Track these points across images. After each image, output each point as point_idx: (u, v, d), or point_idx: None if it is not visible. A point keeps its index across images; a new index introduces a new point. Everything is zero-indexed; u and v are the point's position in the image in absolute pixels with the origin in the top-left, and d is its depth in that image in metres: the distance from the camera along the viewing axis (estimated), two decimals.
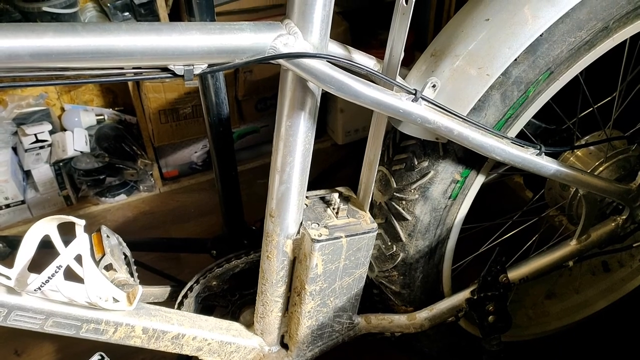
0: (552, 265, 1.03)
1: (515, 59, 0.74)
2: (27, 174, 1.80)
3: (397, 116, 0.69)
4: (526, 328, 1.28)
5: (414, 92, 0.68)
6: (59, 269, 0.63)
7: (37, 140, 1.77)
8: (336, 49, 0.71)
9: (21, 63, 0.51)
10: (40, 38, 0.51)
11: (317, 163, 1.86)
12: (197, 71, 0.59)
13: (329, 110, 2.12)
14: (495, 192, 1.50)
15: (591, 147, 1.03)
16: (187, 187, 1.99)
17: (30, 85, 0.56)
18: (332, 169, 2.00)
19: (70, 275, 0.68)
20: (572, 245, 1.04)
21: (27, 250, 0.65)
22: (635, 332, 1.35)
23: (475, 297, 0.95)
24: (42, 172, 1.76)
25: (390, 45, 0.67)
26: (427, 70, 0.77)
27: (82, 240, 0.64)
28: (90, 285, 0.69)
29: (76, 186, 1.86)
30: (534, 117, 0.86)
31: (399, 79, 0.71)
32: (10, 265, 0.66)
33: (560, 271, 1.28)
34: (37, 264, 0.66)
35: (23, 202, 1.77)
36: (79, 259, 0.66)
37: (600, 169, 1.02)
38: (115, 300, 0.74)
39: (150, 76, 0.58)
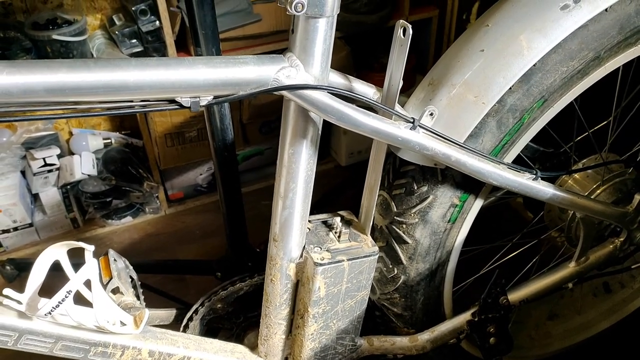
0: (551, 287, 1.04)
1: (510, 88, 0.76)
2: (35, 197, 1.83)
3: (396, 144, 0.72)
4: (529, 349, 1.28)
5: (412, 120, 0.71)
6: (69, 294, 0.65)
7: (46, 164, 1.80)
8: (337, 78, 0.74)
9: (36, 98, 0.54)
10: (54, 74, 0.54)
11: (321, 185, 1.88)
12: (203, 102, 0.62)
13: (332, 132, 2.15)
14: (498, 212, 1.51)
15: (588, 170, 1.05)
16: (192, 208, 2.02)
17: (41, 119, 0.58)
18: (335, 191, 2.02)
19: (79, 299, 0.70)
20: (571, 267, 1.05)
21: (37, 275, 0.67)
22: (638, 353, 1.35)
23: (476, 319, 0.96)
24: (50, 195, 1.79)
25: (389, 74, 0.70)
26: (425, 99, 0.79)
27: (91, 266, 0.66)
28: (99, 310, 0.70)
29: (83, 209, 1.89)
30: (532, 141, 0.88)
31: (397, 107, 0.73)
32: (20, 289, 0.68)
33: (561, 292, 1.29)
34: (46, 287, 0.68)
35: (31, 224, 1.79)
36: (87, 283, 0.68)
37: (598, 191, 1.04)
38: (123, 324, 0.76)
39: (158, 108, 0.61)
